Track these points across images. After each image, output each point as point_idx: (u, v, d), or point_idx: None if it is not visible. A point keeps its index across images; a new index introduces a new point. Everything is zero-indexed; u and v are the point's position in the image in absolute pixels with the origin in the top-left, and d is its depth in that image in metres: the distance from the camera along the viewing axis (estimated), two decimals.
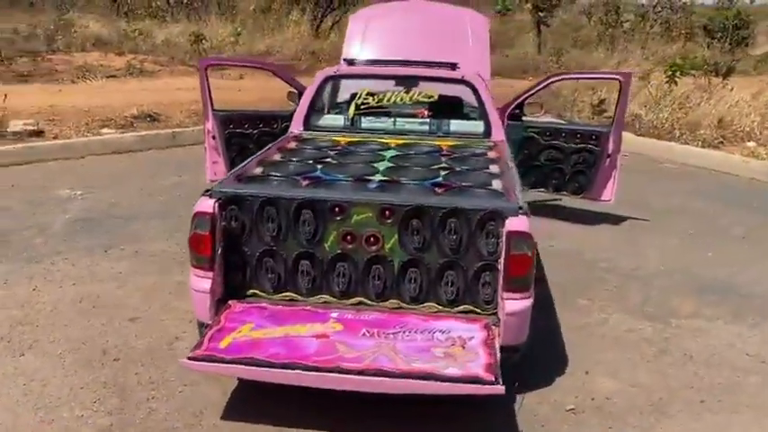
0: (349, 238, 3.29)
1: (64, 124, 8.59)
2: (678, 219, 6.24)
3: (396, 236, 3.26)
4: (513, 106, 5.91)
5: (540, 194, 6.17)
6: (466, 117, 4.98)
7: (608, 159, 5.63)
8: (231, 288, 3.38)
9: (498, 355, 2.98)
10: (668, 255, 5.31)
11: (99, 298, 4.26)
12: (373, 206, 3.25)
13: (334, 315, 3.22)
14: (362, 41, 6.43)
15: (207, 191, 3.28)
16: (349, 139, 4.68)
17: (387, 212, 3.24)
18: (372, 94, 4.91)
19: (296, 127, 4.91)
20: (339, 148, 4.42)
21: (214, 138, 5.84)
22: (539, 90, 5.81)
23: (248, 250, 3.35)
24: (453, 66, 4.97)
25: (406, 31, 6.40)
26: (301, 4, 18.84)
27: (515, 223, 3.09)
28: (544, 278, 4.75)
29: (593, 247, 5.42)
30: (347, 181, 3.61)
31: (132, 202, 6.15)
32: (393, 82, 5.21)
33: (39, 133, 8.11)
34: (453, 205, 3.21)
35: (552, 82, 5.76)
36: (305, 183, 3.55)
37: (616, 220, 6.10)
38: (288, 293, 3.38)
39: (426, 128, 4.88)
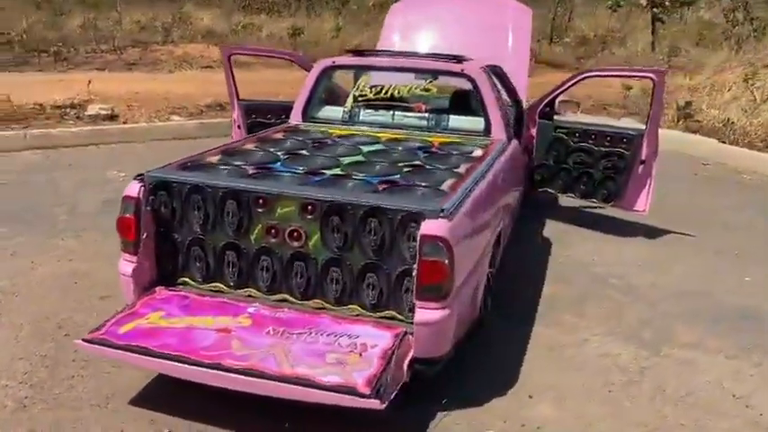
0: (273, 231, 3.18)
1: (140, 110, 9.08)
2: (731, 236, 5.55)
3: (318, 233, 3.11)
4: (543, 104, 5.52)
5: (579, 201, 5.73)
6: (467, 113, 4.68)
7: (641, 166, 5.10)
8: (164, 274, 3.38)
9: (401, 366, 2.78)
10: (697, 275, 4.73)
11: (86, 275, 4.42)
12: (296, 200, 3.11)
13: (251, 310, 3.13)
14: (397, 34, 6.29)
15: (139, 175, 3.29)
16: (342, 132, 4.56)
17: (309, 207, 3.09)
18: (371, 87, 4.75)
19: (294, 118, 4.86)
20: (323, 140, 4.31)
21: (239, 127, 5.92)
22: (569, 87, 5.38)
23: (179, 238, 3.33)
24: (459, 59, 4.70)
25: (442, 23, 6.19)
26: None
27: (431, 226, 2.84)
28: (538, 289, 4.40)
29: (613, 260, 4.94)
30: (296, 174, 3.50)
31: None
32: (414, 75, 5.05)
33: (112, 117, 8.64)
34: (372, 204, 3.01)
35: (583, 78, 5.29)
36: (251, 172, 3.48)
37: (656, 233, 5.54)
38: (215, 284, 3.33)
39: (425, 123, 4.65)
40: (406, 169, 3.69)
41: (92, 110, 8.61)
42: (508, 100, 5.14)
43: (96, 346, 2.86)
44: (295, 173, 3.53)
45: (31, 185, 6.29)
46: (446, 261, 2.84)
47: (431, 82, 4.85)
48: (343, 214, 3.04)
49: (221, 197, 3.19)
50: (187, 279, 3.37)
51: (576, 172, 5.38)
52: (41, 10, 17.81)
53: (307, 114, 4.84)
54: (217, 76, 12.60)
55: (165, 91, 10.28)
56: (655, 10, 16.89)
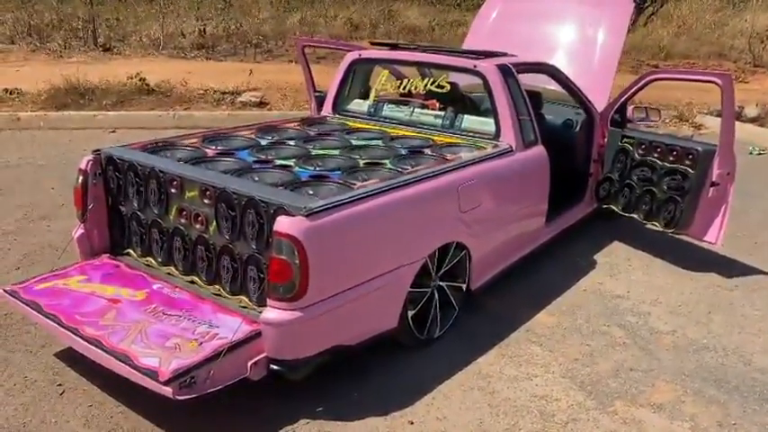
0: (184, 213, 3.29)
1: (289, 99, 9.72)
2: None
3: (215, 219, 3.14)
4: (613, 110, 4.85)
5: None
6: (480, 114, 4.29)
7: (713, 188, 4.24)
8: (115, 244, 3.65)
9: (243, 363, 2.75)
10: (740, 329, 3.84)
11: None
12: (197, 184, 3.17)
13: (155, 287, 3.26)
14: (485, 31, 5.95)
15: (95, 150, 3.58)
16: (359, 126, 4.50)
17: (207, 192, 3.14)
18: (392, 81, 4.59)
19: (326, 109, 4.89)
20: (330, 132, 4.29)
21: None
22: (635, 92, 4.64)
23: (125, 211, 3.57)
24: (489, 54, 4.33)
25: (533, 17, 5.72)
26: None
27: (284, 223, 2.72)
28: (530, 315, 3.90)
29: (649, 297, 4.20)
30: (244, 161, 3.54)
31: None
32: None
33: (261, 104, 9.37)
34: (248, 194, 2.95)
35: (648, 82, 4.51)
36: (210, 156, 3.60)
37: (738, 271, 4.60)
38: (148, 259, 3.52)
39: (440, 122, 4.37)
40: (362, 165, 3.55)
41: (244, 96, 9.40)
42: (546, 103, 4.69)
43: (9, 297, 3.20)
44: (245, 160, 3.57)
45: None
46: (296, 262, 2.70)
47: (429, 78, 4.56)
48: (231, 202, 3.03)
49: (146, 176, 3.37)
50: (131, 251, 3.61)
51: (639, 189, 4.64)
52: (273, 6, 19.83)
53: (337, 106, 4.83)
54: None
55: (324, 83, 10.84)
56: None
